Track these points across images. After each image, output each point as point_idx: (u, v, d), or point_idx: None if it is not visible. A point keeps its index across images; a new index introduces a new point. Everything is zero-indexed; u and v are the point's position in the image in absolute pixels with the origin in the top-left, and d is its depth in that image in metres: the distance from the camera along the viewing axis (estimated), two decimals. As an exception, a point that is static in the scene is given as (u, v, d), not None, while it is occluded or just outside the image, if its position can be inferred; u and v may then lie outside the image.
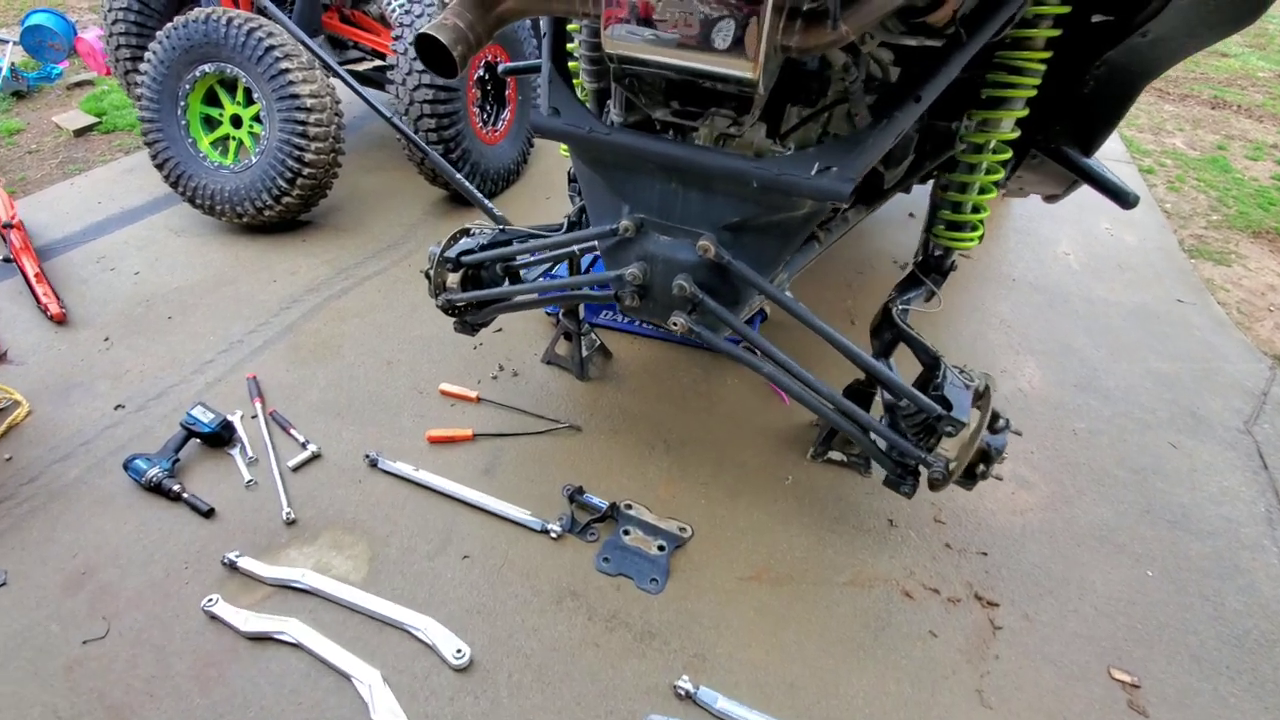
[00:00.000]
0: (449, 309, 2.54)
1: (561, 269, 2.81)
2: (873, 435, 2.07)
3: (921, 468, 2.04)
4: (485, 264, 2.47)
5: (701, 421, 2.96)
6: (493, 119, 4.61)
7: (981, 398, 1.96)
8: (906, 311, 2.27)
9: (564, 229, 2.59)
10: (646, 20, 1.51)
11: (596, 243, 2.06)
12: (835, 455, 2.76)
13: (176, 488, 2.54)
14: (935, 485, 1.97)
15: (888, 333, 2.27)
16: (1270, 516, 2.66)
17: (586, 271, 3.15)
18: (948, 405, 1.90)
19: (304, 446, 2.76)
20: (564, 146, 2.67)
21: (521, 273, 2.65)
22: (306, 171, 3.94)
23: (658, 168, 1.77)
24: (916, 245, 2.50)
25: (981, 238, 2.31)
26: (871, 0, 1.35)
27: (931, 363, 2.05)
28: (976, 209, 2.23)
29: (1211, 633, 2.26)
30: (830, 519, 2.56)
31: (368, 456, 2.71)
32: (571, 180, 2.80)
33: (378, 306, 3.62)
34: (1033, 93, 1.95)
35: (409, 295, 3.70)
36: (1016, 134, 2.06)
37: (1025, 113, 2.01)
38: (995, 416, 1.94)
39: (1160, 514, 2.66)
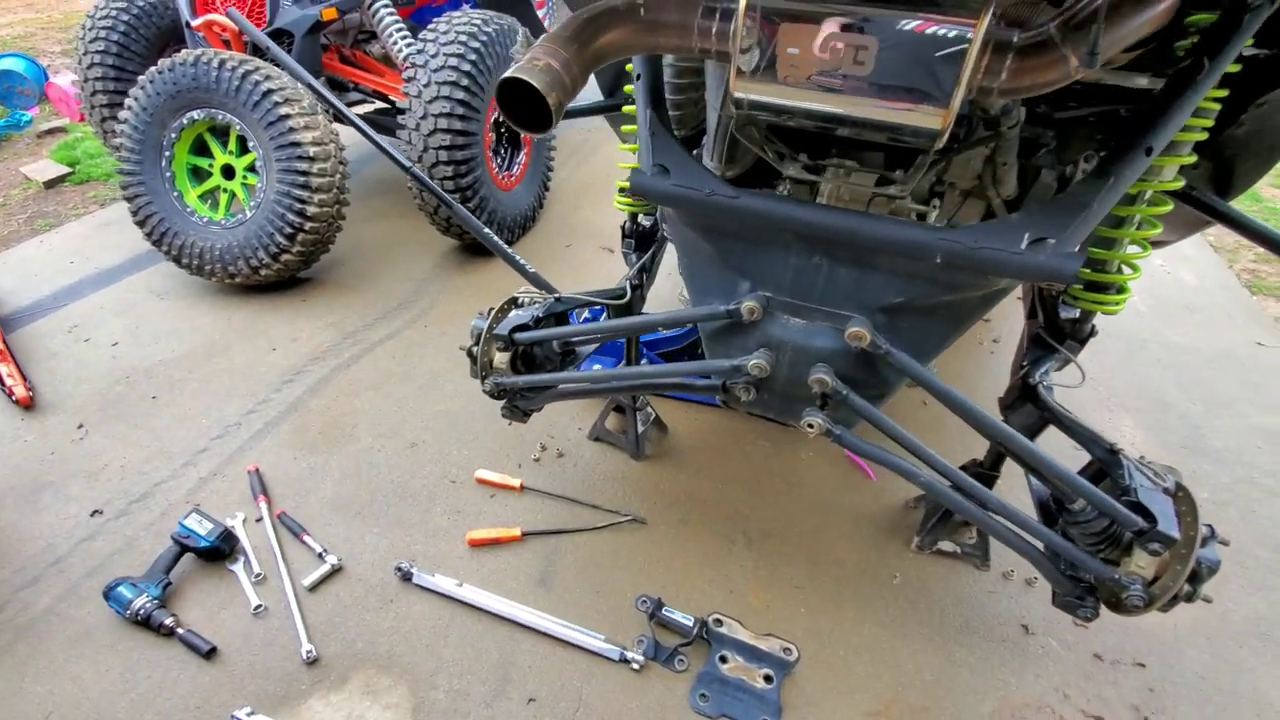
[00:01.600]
0: (498, 393, 2.14)
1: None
2: (1032, 541, 1.70)
3: (1104, 586, 1.67)
4: (543, 345, 2.09)
5: (781, 507, 2.57)
6: (507, 163, 4.28)
7: (1182, 501, 1.60)
8: (1052, 390, 1.93)
9: (625, 297, 2.22)
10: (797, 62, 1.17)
11: (699, 326, 1.69)
12: (946, 545, 2.38)
13: (169, 621, 2.08)
14: (1131, 610, 1.60)
15: (1030, 415, 1.92)
16: None
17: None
18: (1148, 515, 1.54)
19: (321, 558, 2.33)
20: (623, 198, 2.35)
21: (579, 349, 2.27)
22: (309, 225, 3.55)
23: (797, 238, 1.42)
24: (1029, 304, 2.17)
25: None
26: (1130, 21, 1.03)
27: (1109, 457, 1.69)
28: (1123, 267, 1.91)
29: None
30: (955, 628, 2.17)
31: (399, 569, 2.27)
32: (628, 236, 2.44)
33: (393, 376, 3.21)
34: (1205, 135, 1.65)
35: (428, 362, 3.29)
36: (1181, 184, 1.75)
37: (1194, 159, 1.70)
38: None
39: (1316, 601, 2.31)
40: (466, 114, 3.55)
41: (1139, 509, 1.56)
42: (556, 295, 2.19)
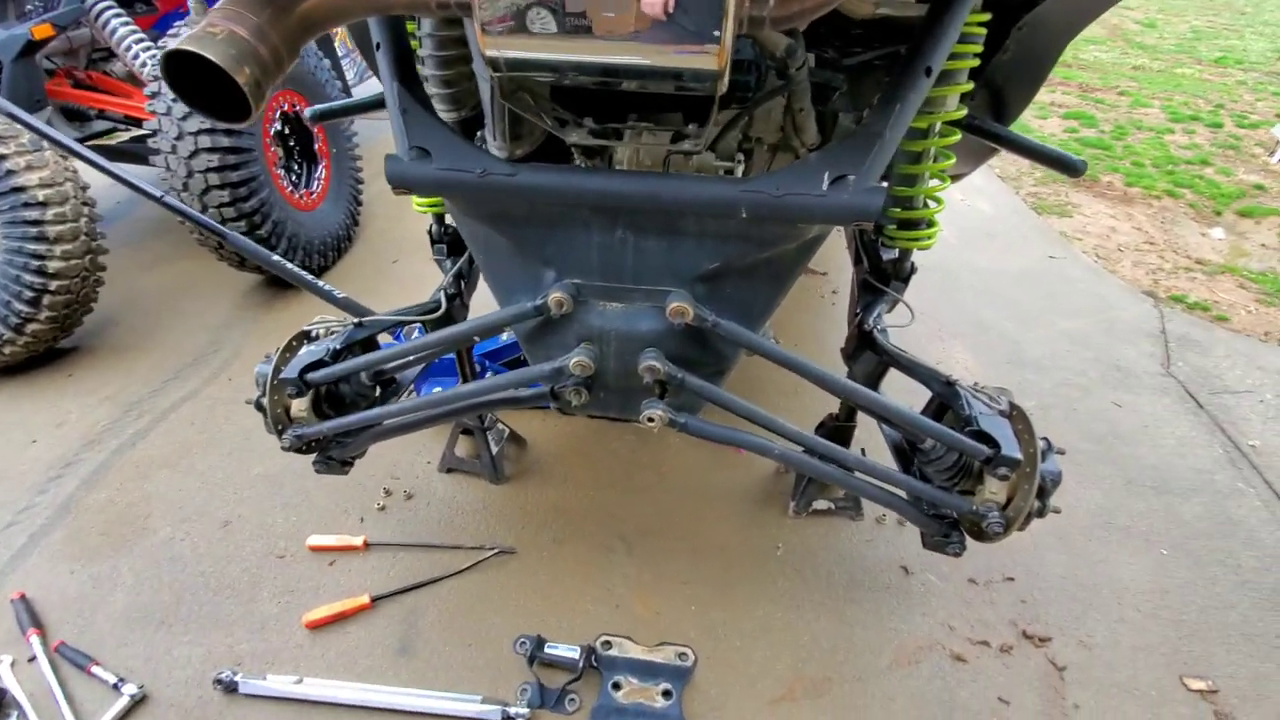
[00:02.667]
0: (302, 447, 1.81)
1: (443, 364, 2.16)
2: (895, 491, 1.67)
3: (965, 519, 1.67)
4: (346, 377, 1.78)
5: (656, 501, 2.44)
6: (304, 179, 3.80)
7: (1018, 420, 1.63)
8: (886, 332, 1.92)
9: (440, 308, 1.96)
10: (551, 7, 0.98)
11: (513, 330, 1.47)
12: (820, 504, 2.36)
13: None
14: (993, 537, 1.60)
15: (871, 360, 1.90)
16: (1230, 457, 2.66)
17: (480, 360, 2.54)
18: (991, 442, 1.54)
19: (117, 689, 1.87)
20: (423, 199, 2.07)
21: (398, 375, 1.98)
22: (55, 285, 2.91)
23: (595, 212, 1.24)
24: (854, 251, 2.18)
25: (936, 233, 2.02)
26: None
27: (946, 390, 1.69)
28: (928, 202, 1.93)
29: (1247, 601, 2.12)
30: (843, 586, 2.15)
31: (220, 680, 1.87)
32: (437, 241, 2.17)
33: (194, 446, 2.71)
34: (977, 62, 1.67)
35: (237, 421, 2.81)
36: (963, 112, 1.78)
37: (970, 86, 1.73)
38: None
39: (1141, 482, 2.55)
40: (233, 128, 3.06)
41: (982, 437, 1.56)
42: (356, 321, 1.88)
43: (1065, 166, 2.04)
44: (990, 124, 2.10)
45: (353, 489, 2.47)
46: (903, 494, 1.72)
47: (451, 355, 2.50)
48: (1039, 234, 4.43)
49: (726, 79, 1.06)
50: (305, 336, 1.86)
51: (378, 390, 1.93)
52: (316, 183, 3.84)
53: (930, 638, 2.01)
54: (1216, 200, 5.30)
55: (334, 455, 1.85)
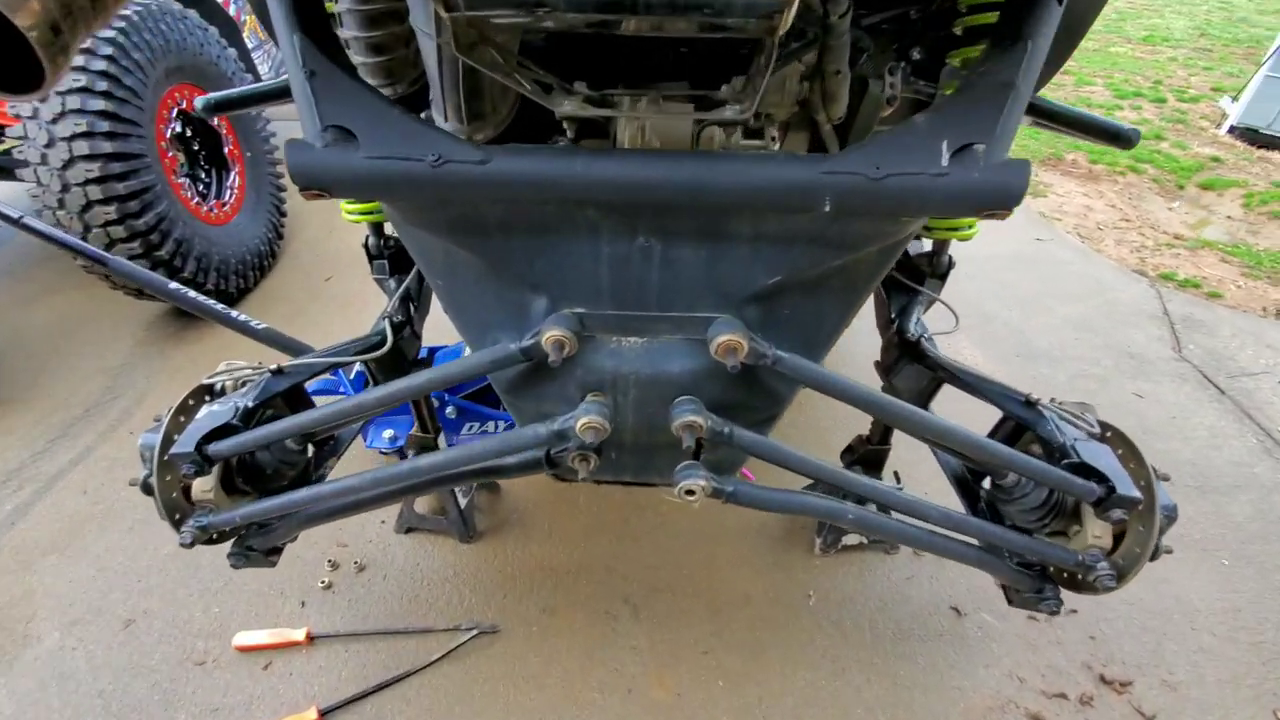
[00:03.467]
0: (208, 539, 1.37)
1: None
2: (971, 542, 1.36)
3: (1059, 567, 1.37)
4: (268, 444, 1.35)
5: (661, 548, 2.08)
6: (214, 189, 3.27)
7: (1116, 443, 1.34)
8: (934, 341, 1.61)
9: (385, 342, 1.55)
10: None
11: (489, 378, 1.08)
12: (850, 539, 2.04)
13: None
14: (1101, 590, 1.30)
15: (918, 377, 1.58)
16: (1265, 447, 2.47)
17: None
18: (1099, 477, 1.24)
19: None
20: (351, 205, 1.66)
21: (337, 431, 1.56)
22: (-110, 332, 2.33)
23: (606, 212, 0.86)
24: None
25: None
26: None
27: (1027, 412, 1.38)
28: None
29: (1326, 615, 1.92)
30: (890, 639, 1.83)
31: None
32: (376, 257, 1.75)
33: (87, 523, 2.20)
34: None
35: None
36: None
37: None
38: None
39: (1183, 482, 2.33)
40: (116, 130, 2.53)
41: (1085, 470, 1.26)
42: (273, 368, 1.45)
43: (1115, 138, 1.76)
44: (1039, 98, 1.81)
45: (289, 564, 2.02)
46: (976, 544, 1.41)
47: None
48: (1024, 216, 4.26)
49: (794, 10, 0.71)
50: (207, 391, 1.42)
51: (309, 451, 1.50)
52: (229, 192, 3.31)
53: (1000, 696, 1.71)
54: (1178, 174, 5.28)
55: (254, 545, 1.42)
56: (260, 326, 1.88)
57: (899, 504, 1.18)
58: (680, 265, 0.89)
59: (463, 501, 2.05)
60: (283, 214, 3.66)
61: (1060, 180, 5.03)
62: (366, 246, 1.78)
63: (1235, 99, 6.23)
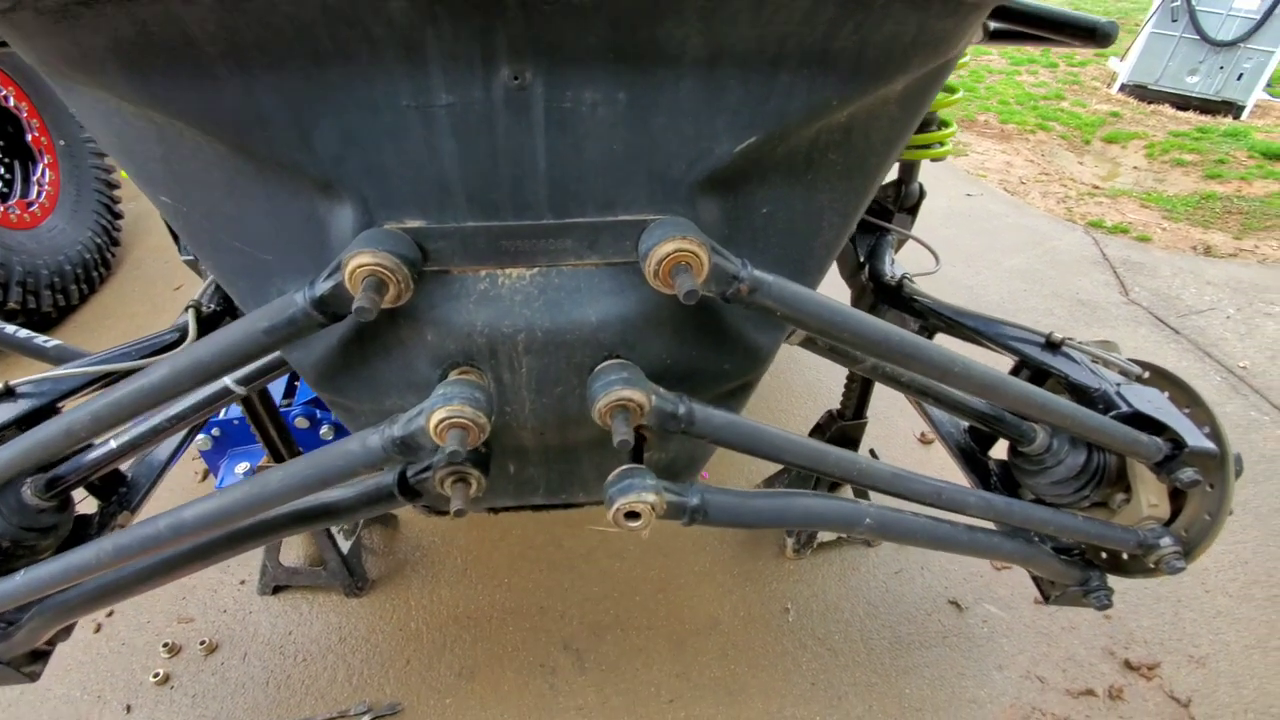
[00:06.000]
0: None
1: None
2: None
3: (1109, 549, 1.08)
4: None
5: (605, 575, 1.69)
6: (19, 186, 2.63)
7: (1164, 383, 1.06)
8: (915, 282, 1.31)
9: (186, 338, 1.09)
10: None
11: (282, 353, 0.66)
12: (827, 535, 1.73)
13: None
14: (1168, 572, 1.02)
15: (906, 325, 1.27)
16: (1230, 384, 2.35)
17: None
18: (1155, 427, 0.95)
19: None
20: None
21: (126, 469, 1.09)
22: None
23: (427, 9, 0.46)
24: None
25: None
26: None
27: (1050, 356, 1.09)
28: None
29: (1336, 559, 1.75)
30: (887, 651, 1.52)
31: None
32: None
33: None
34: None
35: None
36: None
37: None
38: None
39: (1161, 428, 2.16)
40: None
41: (1141, 422, 0.97)
42: (0, 386, 0.97)
43: (1094, 34, 1.50)
44: None
45: (110, 653, 1.51)
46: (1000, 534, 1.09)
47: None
48: (947, 172, 4.14)
49: None
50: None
51: (70, 510, 1.02)
52: (38, 189, 2.67)
53: (1021, 703, 1.43)
54: (1083, 130, 5.36)
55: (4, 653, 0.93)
56: (44, 341, 1.37)
57: (930, 497, 0.84)
58: (583, 125, 0.51)
59: (345, 545, 1.60)
60: (116, 215, 3.02)
61: (977, 140, 4.99)
62: (167, 219, 1.30)
63: (1122, 59, 6.46)
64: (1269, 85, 5.76)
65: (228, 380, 0.83)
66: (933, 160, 1.44)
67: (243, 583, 1.66)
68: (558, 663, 1.49)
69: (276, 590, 1.63)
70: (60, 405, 1.05)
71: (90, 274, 2.78)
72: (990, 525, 1.05)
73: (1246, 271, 3.09)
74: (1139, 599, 1.65)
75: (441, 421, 0.55)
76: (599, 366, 0.62)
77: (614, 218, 0.56)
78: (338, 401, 0.70)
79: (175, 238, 1.30)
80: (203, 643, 1.52)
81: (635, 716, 1.40)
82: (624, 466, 0.65)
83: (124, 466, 1.17)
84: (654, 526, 1.71)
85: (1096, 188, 4.27)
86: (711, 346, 0.68)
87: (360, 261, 0.51)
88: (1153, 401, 0.99)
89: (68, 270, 2.65)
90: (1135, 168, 4.83)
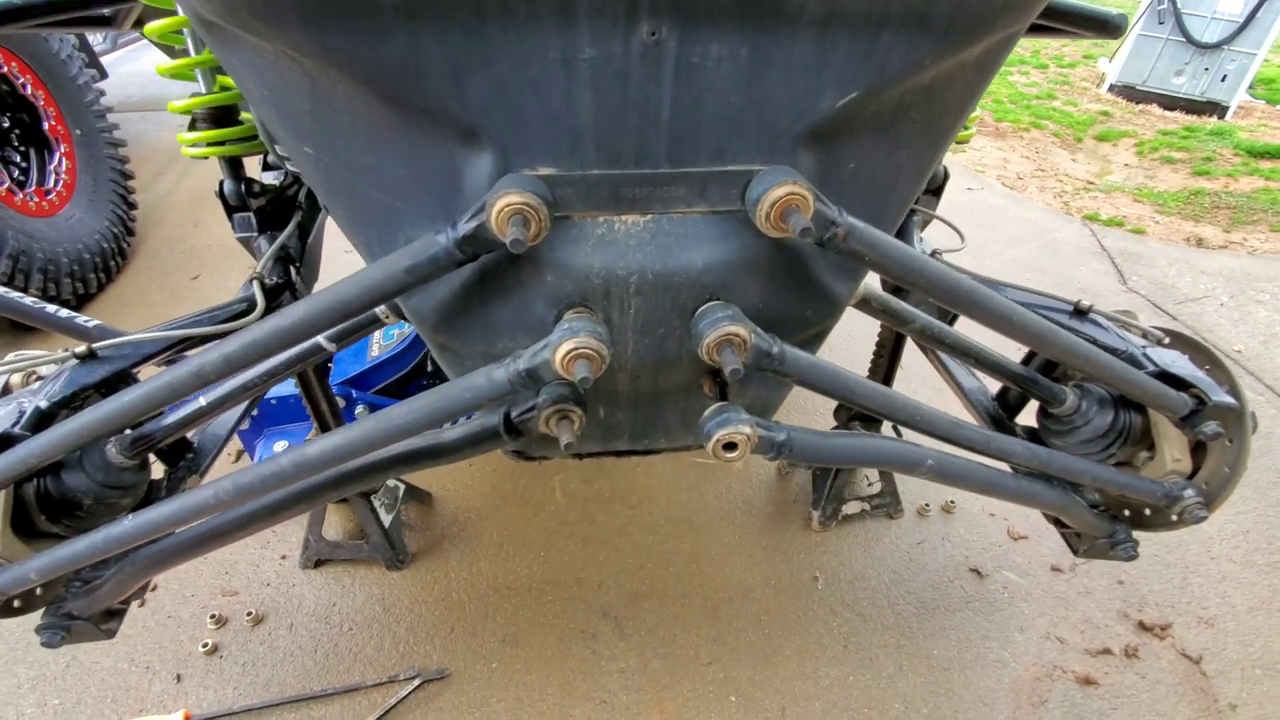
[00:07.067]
0: (3, 608, 0.92)
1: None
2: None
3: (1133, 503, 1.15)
4: (83, 455, 0.92)
5: (639, 547, 1.74)
6: (35, 174, 2.64)
7: (1185, 345, 1.13)
8: (939, 254, 1.38)
9: (256, 309, 1.14)
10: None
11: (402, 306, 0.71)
12: (851, 508, 1.79)
13: None
14: (1190, 522, 1.09)
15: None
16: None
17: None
18: (1180, 385, 1.02)
19: None
20: (190, 136, 1.22)
21: (193, 436, 1.13)
22: None
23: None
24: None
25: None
26: None
27: (1079, 323, 1.16)
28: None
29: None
30: (914, 615, 1.59)
31: None
32: (236, 207, 1.31)
33: None
34: None
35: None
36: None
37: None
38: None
39: (1163, 408, 2.24)
40: None
41: (1168, 380, 1.04)
42: (79, 351, 1.01)
43: (1106, 26, 1.58)
44: None
45: (157, 626, 1.54)
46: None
47: (294, 392, 1.64)
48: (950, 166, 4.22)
49: None
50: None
51: (149, 470, 1.06)
52: (54, 177, 2.68)
53: (1043, 662, 1.50)
54: (1075, 129, 5.49)
55: (75, 611, 0.97)
56: (87, 322, 1.40)
57: (981, 444, 0.91)
58: (706, 79, 0.57)
59: (386, 518, 1.64)
60: (131, 205, 3.03)
61: (974, 137, 5.09)
62: (222, 194, 1.34)
63: (1111, 59, 6.61)
64: (1250, 87, 5.93)
65: (320, 338, 0.87)
66: (957, 142, 1.51)
67: (283, 557, 1.69)
68: (598, 629, 1.54)
69: (319, 564, 1.67)
70: (136, 371, 1.09)
71: (108, 263, 2.79)
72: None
73: (1237, 262, 3.20)
74: (1149, 565, 1.72)
75: (569, 353, 0.60)
76: (703, 307, 0.67)
77: (723, 167, 0.62)
78: (449, 345, 0.75)
79: (229, 211, 1.32)
80: (249, 614, 1.56)
81: (676, 678, 1.45)
82: (718, 404, 0.71)
83: (190, 434, 1.20)
84: (679, 501, 1.76)
85: (1091, 183, 4.38)
86: (797, 293, 0.74)
87: (508, 200, 0.56)
88: (1176, 361, 1.06)
89: (86, 259, 2.66)
90: (1126, 165, 4.95)
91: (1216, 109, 5.72)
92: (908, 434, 0.94)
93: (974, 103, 0.72)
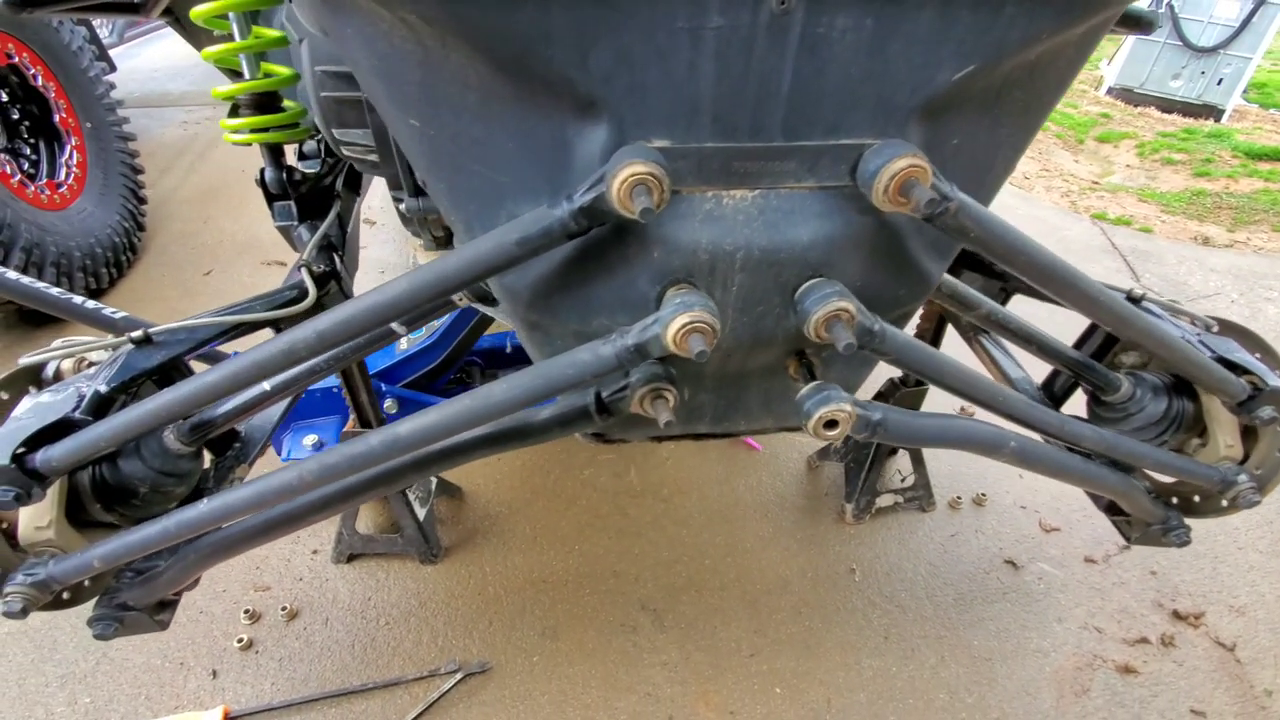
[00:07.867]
0: (51, 600, 0.90)
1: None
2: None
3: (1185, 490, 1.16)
4: (139, 444, 0.90)
5: (674, 540, 1.74)
6: (45, 167, 2.61)
7: (1237, 335, 1.14)
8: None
9: (307, 298, 1.13)
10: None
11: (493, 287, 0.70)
12: (884, 501, 1.79)
13: None
14: (1242, 507, 1.10)
15: (985, 287, 1.34)
16: (1245, 361, 2.46)
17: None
18: (1236, 370, 1.03)
19: None
20: (235, 122, 1.21)
21: (240, 425, 1.11)
22: None
23: None
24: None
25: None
26: None
27: (1132, 312, 1.16)
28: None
29: (1358, 518, 1.86)
30: (952, 606, 1.59)
31: None
32: (277, 195, 1.29)
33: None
34: None
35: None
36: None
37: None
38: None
39: (1183, 402, 2.26)
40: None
41: (1234, 368, 1.04)
42: (135, 337, 0.99)
43: (1140, 23, 1.59)
44: None
45: (189, 622, 1.51)
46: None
47: (329, 383, 1.63)
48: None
49: None
50: (31, 378, 0.94)
51: (203, 458, 1.05)
52: (65, 170, 2.65)
53: (1083, 651, 1.51)
54: (1076, 130, 5.54)
55: (130, 602, 0.95)
56: (113, 314, 1.37)
57: (1056, 427, 0.91)
58: (830, 50, 0.56)
59: (421, 512, 1.62)
60: (141, 200, 2.99)
61: (977, 138, 5.13)
62: (263, 183, 1.32)
63: (1109, 62, 6.68)
64: (1245, 91, 6.01)
65: (394, 323, 0.86)
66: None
67: (315, 552, 1.67)
68: (638, 622, 1.53)
69: (351, 559, 1.65)
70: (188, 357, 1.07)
71: (119, 258, 2.75)
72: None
73: (1244, 260, 3.23)
74: (1180, 556, 1.73)
75: (684, 327, 0.60)
76: (807, 284, 0.67)
77: (836, 141, 0.61)
78: (541, 323, 0.74)
79: (269, 199, 1.30)
80: (283, 609, 1.54)
81: (719, 670, 1.44)
82: (815, 383, 0.70)
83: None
84: (711, 494, 1.75)
85: (1095, 183, 4.43)
86: (893, 271, 0.73)
87: (633, 170, 0.55)
88: (1231, 350, 1.07)
89: (98, 253, 2.62)
90: (1128, 166, 5.00)
91: (1213, 112, 5.79)
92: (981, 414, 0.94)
93: (1070, 82, 0.73)
